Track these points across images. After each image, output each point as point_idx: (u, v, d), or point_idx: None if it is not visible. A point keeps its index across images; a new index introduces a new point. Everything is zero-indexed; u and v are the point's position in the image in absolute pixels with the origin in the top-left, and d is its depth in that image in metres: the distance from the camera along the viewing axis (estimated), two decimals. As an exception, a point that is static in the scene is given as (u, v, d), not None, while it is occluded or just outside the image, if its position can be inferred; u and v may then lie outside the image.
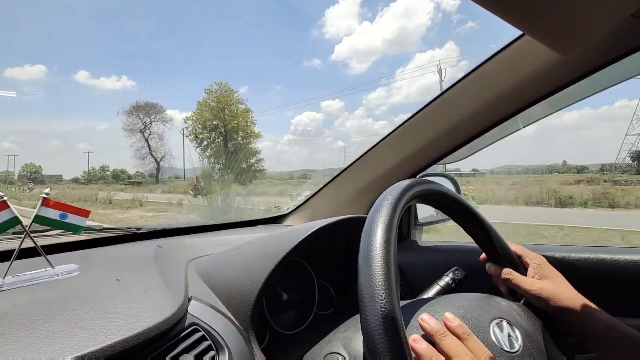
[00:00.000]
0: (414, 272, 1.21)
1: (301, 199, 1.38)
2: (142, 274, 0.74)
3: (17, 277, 0.66)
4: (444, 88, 1.13)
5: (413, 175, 1.26)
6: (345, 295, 1.05)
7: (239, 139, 35.74)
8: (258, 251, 0.80)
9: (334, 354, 0.62)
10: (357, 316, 0.73)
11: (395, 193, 0.59)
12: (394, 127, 1.22)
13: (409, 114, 1.20)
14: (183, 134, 37.50)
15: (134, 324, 0.53)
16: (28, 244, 0.72)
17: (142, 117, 37.15)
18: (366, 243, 0.51)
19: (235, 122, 35.05)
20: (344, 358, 0.61)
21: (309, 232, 0.77)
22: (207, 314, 0.67)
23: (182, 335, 0.60)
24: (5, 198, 0.64)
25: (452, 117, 1.14)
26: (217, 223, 1.35)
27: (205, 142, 35.51)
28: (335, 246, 1.04)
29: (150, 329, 0.54)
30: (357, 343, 0.61)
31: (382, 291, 0.45)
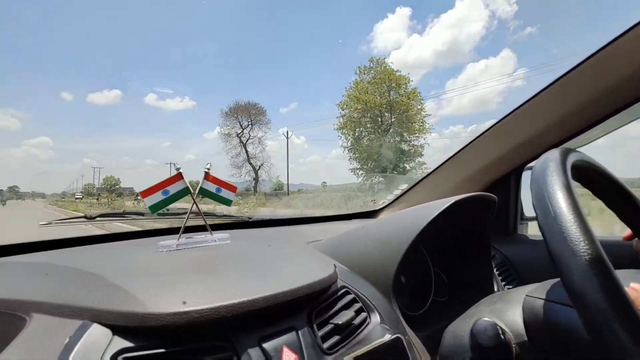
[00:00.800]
0: (527, 266, 1.15)
1: (397, 192, 1.40)
2: (284, 246, 0.80)
3: (188, 240, 0.75)
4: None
5: (521, 165, 1.22)
6: (460, 282, 1.03)
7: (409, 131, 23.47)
8: (392, 227, 0.83)
9: (485, 320, 0.61)
10: (497, 294, 0.72)
11: (556, 158, 0.58)
12: (499, 118, 1.19)
13: (517, 104, 1.17)
14: (287, 137, 30.82)
15: (306, 276, 0.58)
16: (190, 222, 0.82)
17: (240, 120, 30.35)
18: (547, 199, 0.50)
19: (404, 107, 22.82)
20: (497, 325, 0.60)
21: (446, 205, 0.77)
22: (354, 280, 0.71)
23: (337, 295, 0.64)
24: (180, 170, 0.74)
25: (565, 105, 1.09)
26: (314, 216, 1.41)
27: (362, 134, 24.15)
28: (448, 230, 1.03)
29: (322, 280, 0.58)
30: (513, 313, 0.60)
31: (583, 235, 0.44)
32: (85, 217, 0.93)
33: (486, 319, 0.61)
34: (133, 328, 0.44)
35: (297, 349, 0.50)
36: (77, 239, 0.87)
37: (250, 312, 0.48)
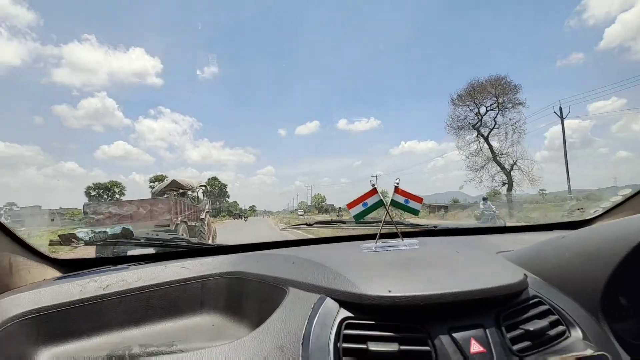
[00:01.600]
0: None
1: (616, 199, 1.16)
2: (471, 252, 0.84)
3: (383, 243, 0.91)
4: None
5: None
6: None
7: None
8: (601, 237, 0.75)
9: None
10: None
11: None
12: None
13: None
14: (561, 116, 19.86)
15: (493, 279, 0.62)
16: (383, 230, 0.98)
17: (477, 104, 20.67)
18: None
19: None
20: None
21: None
22: (550, 292, 0.69)
23: (529, 303, 0.65)
24: (375, 185, 0.91)
25: None
26: (510, 225, 1.34)
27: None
28: None
29: (510, 285, 0.61)
30: None
31: None
32: (306, 224, 1.24)
33: None
34: (352, 304, 0.61)
35: (485, 343, 0.55)
36: (303, 240, 1.17)
37: (440, 304, 0.57)
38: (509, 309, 0.62)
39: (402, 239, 0.92)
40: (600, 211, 1.22)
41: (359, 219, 0.92)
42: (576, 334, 0.61)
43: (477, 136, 21.16)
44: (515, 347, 0.56)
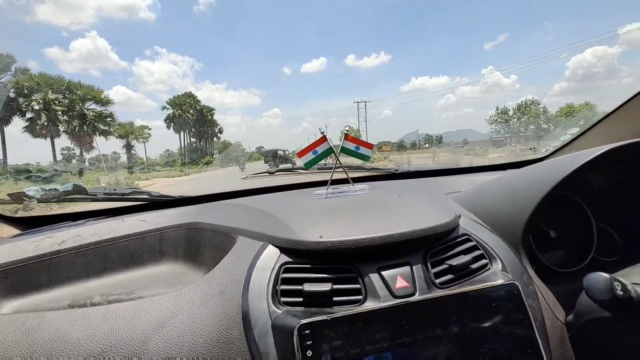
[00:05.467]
0: None
1: (565, 138, 1.20)
2: (414, 195, 0.88)
3: (334, 189, 0.94)
4: None
5: None
6: (635, 241, 0.87)
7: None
8: (526, 179, 0.79)
9: (598, 274, 0.55)
10: None
11: None
12: None
13: None
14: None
15: (422, 221, 0.66)
16: (336, 175, 1.00)
17: None
18: None
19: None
20: (612, 279, 0.54)
21: (590, 158, 0.68)
22: (477, 229, 0.74)
23: (456, 241, 0.70)
24: (325, 133, 0.91)
25: None
26: (464, 167, 1.39)
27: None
28: (621, 181, 0.87)
29: (436, 226, 0.66)
30: None
31: None
32: (267, 172, 1.26)
33: (602, 273, 0.55)
34: (291, 250, 0.65)
35: (409, 279, 0.60)
36: (262, 189, 1.19)
37: (369, 247, 0.61)
38: (437, 247, 0.67)
39: (353, 185, 0.95)
40: (551, 149, 1.27)
41: (309, 167, 0.94)
42: (496, 265, 0.67)
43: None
44: (437, 280, 0.62)
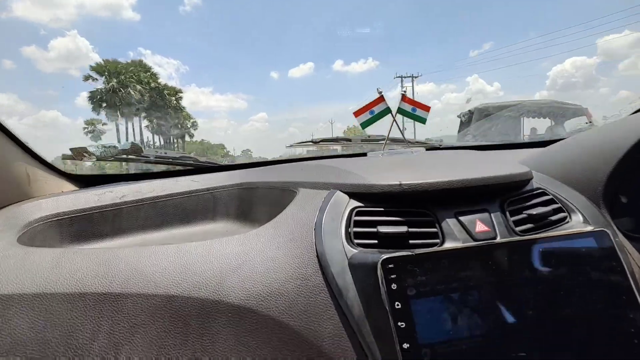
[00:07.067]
0: None
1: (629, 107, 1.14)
2: (479, 154, 0.85)
3: (390, 150, 0.92)
4: None
5: None
6: None
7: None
8: (609, 134, 0.75)
9: None
10: None
11: None
12: None
13: None
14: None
15: (491, 171, 0.64)
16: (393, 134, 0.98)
17: None
18: None
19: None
20: None
21: None
22: (552, 184, 0.71)
23: (532, 193, 0.67)
24: (382, 93, 0.89)
25: None
26: (519, 142, 1.34)
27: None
28: None
29: (513, 174, 0.63)
30: None
31: None
32: (312, 141, 1.25)
33: None
34: (362, 194, 0.63)
35: (489, 224, 0.58)
36: (310, 157, 1.18)
37: (447, 191, 0.59)
38: (513, 197, 0.65)
39: (409, 146, 0.93)
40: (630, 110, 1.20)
41: (365, 126, 0.92)
42: (577, 218, 0.64)
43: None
44: (518, 228, 0.59)
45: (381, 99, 0.90)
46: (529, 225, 0.60)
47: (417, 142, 1.34)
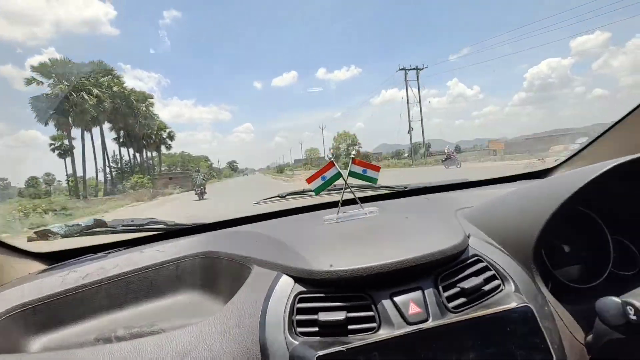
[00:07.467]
0: None
1: (575, 147, 1.20)
2: (423, 216, 0.89)
3: (343, 214, 0.96)
4: None
5: None
6: None
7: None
8: (535, 195, 0.79)
9: (609, 299, 0.55)
10: None
11: None
12: None
13: None
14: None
15: (431, 245, 0.67)
16: (346, 196, 1.02)
17: None
18: None
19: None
20: (624, 303, 0.53)
21: (601, 172, 0.68)
22: (487, 249, 0.74)
23: (467, 262, 0.70)
24: (332, 159, 0.93)
25: None
26: (474, 180, 1.39)
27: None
28: (636, 192, 0.86)
29: (446, 249, 0.66)
30: None
31: None
32: (278, 196, 1.28)
33: (613, 297, 0.55)
34: (304, 279, 0.66)
35: (421, 304, 0.61)
36: (273, 213, 1.21)
37: (381, 274, 0.62)
38: (448, 270, 0.68)
39: (362, 208, 0.96)
40: (560, 160, 1.26)
41: (318, 192, 0.96)
42: (509, 287, 0.67)
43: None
44: (450, 305, 0.62)
45: (331, 164, 0.94)
46: (462, 300, 0.63)
47: (381, 187, 1.38)
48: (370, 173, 0.96)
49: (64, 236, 0.97)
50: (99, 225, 0.99)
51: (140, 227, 1.12)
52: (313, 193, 1.05)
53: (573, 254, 0.87)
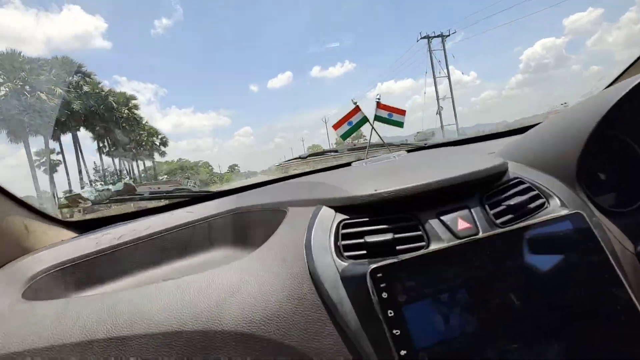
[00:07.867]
0: None
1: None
2: (456, 151, 0.88)
3: (373, 158, 0.95)
4: None
5: None
6: None
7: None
8: (570, 119, 0.78)
9: None
10: None
11: None
12: None
13: None
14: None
15: (474, 166, 0.66)
16: (372, 153, 1.01)
17: None
18: None
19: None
20: None
21: (630, 88, 0.66)
22: (527, 172, 0.73)
23: (509, 184, 0.69)
24: (358, 103, 0.92)
25: None
26: (500, 132, 1.37)
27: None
28: None
29: (489, 168, 0.65)
30: None
31: None
32: (300, 157, 1.28)
33: None
34: (347, 207, 0.66)
35: (470, 220, 0.60)
36: (299, 174, 1.21)
37: (425, 193, 0.62)
38: (491, 190, 0.67)
39: (390, 151, 0.96)
40: (606, 83, 1.23)
41: (345, 137, 0.95)
42: (554, 202, 0.66)
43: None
44: (498, 220, 0.62)
45: (357, 109, 0.93)
46: (509, 216, 0.63)
47: (401, 144, 1.37)
48: (396, 117, 0.95)
49: (94, 202, 0.98)
50: (129, 191, 1.00)
51: (168, 194, 1.12)
52: (334, 154, 1.04)
53: (610, 180, 0.85)
